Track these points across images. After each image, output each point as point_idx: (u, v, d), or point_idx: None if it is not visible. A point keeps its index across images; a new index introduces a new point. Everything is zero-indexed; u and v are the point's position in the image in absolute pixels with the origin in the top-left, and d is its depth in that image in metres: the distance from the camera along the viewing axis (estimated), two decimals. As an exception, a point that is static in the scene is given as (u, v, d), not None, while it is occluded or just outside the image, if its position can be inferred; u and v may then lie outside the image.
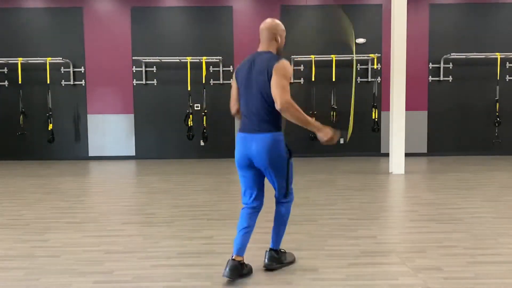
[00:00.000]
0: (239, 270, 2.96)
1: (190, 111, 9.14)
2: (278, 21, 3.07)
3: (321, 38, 9.48)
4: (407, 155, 7.85)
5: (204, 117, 9.17)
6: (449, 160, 8.98)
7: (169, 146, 9.62)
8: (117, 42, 9.46)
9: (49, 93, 9.22)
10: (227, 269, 2.93)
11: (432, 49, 9.53)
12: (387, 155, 8.32)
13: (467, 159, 9.01)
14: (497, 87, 9.20)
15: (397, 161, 7.33)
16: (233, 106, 3.17)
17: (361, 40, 9.46)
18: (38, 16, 9.40)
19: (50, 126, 9.15)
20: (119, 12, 9.45)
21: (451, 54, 9.22)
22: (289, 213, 3.27)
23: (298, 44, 9.46)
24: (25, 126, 9.24)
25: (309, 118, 2.93)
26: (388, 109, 8.17)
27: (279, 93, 2.83)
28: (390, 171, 7.42)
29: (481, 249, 3.51)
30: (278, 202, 3.23)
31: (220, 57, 9.15)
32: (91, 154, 9.60)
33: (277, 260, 3.18)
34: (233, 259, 2.97)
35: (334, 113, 9.19)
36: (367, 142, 9.60)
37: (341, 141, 9.59)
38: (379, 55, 9.31)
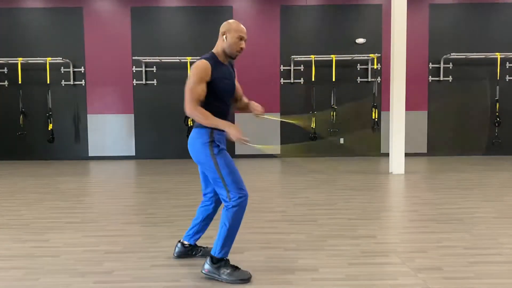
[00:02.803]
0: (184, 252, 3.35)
1: (190, 111, 9.13)
2: (231, 22, 3.02)
3: (321, 38, 9.49)
4: (407, 155, 7.85)
5: (204, 117, 9.16)
6: (449, 160, 8.98)
7: (169, 146, 9.62)
8: (117, 42, 9.46)
9: (49, 93, 9.22)
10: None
11: (432, 49, 9.53)
12: (387, 155, 8.32)
13: (467, 159, 9.01)
14: (497, 87, 9.20)
15: (397, 161, 7.33)
16: None
17: (361, 40, 9.46)
18: (38, 16, 9.41)
19: (50, 126, 9.15)
20: (119, 12, 9.45)
21: (451, 54, 9.22)
22: (234, 222, 2.92)
23: (298, 44, 9.48)
24: (25, 126, 9.24)
25: (215, 120, 2.87)
26: (388, 109, 8.17)
27: (186, 99, 2.86)
28: (390, 171, 7.41)
29: (481, 249, 3.51)
30: (224, 206, 2.98)
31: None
32: (91, 154, 9.60)
33: (212, 269, 2.95)
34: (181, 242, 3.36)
35: (334, 113, 9.19)
36: (367, 142, 9.60)
37: (341, 141, 9.60)
38: (379, 55, 9.31)
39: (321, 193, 5.80)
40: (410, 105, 8.93)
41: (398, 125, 7.32)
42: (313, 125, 9.22)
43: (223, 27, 3.04)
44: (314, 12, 9.51)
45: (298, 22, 9.50)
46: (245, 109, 3.33)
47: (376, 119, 9.11)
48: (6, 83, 9.46)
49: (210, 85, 2.91)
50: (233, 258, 3.31)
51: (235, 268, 2.97)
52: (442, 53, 9.45)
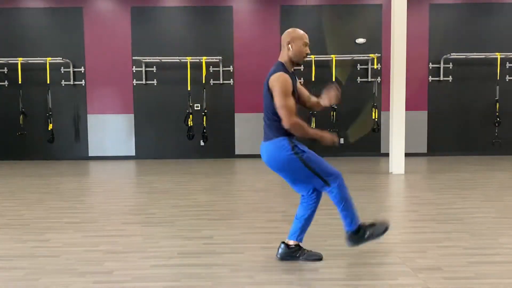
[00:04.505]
0: (288, 253, 3.26)
1: (190, 111, 9.14)
2: (293, 30, 3.14)
3: (321, 38, 9.49)
4: (407, 155, 7.85)
5: (204, 117, 9.17)
6: (449, 160, 8.98)
7: (169, 146, 9.62)
8: (117, 42, 9.46)
9: (49, 93, 9.22)
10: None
11: (432, 49, 9.53)
12: (387, 155, 8.32)
13: (467, 159, 9.01)
14: (497, 87, 9.20)
15: (397, 161, 7.33)
16: None
17: (361, 40, 9.46)
18: (38, 16, 9.40)
19: (50, 126, 9.15)
20: (119, 12, 9.45)
21: (451, 54, 9.22)
22: (344, 196, 3.12)
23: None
24: (25, 126, 9.23)
25: (312, 131, 3.12)
26: (388, 109, 8.17)
27: (283, 114, 3.00)
28: (390, 171, 7.41)
29: (481, 249, 3.51)
30: (327, 192, 3.18)
31: (220, 57, 9.15)
32: (91, 154, 9.60)
33: (357, 237, 3.17)
34: (284, 242, 3.30)
35: (334, 113, 9.18)
36: (367, 142, 9.60)
37: (341, 141, 9.60)
38: (379, 55, 9.31)
39: (321, 193, 5.79)
40: (410, 105, 8.92)
41: (398, 125, 7.32)
42: (313, 125, 9.21)
43: (286, 37, 3.13)
44: (314, 12, 9.51)
45: (298, 22, 9.49)
46: (316, 106, 3.48)
47: (376, 119, 9.11)
48: (6, 83, 9.46)
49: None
50: (233, 258, 3.32)
51: (373, 224, 3.18)
52: (442, 53, 9.44)
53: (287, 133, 3.08)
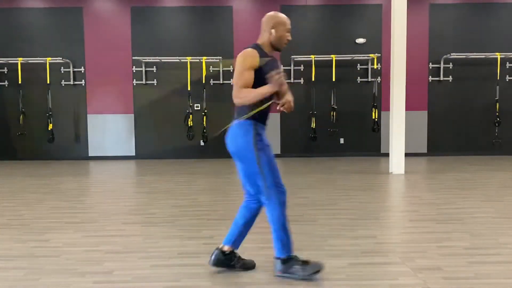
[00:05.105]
0: (223, 260, 3.06)
1: (190, 111, 9.14)
2: (274, 14, 3.05)
3: (321, 38, 9.49)
4: (407, 155, 7.85)
5: (204, 117, 9.17)
6: (449, 160, 8.98)
7: (169, 146, 9.62)
8: (117, 42, 9.46)
9: (49, 93, 9.22)
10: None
11: (432, 49, 9.53)
12: (387, 155, 8.32)
13: (467, 159, 9.01)
14: (497, 87, 9.20)
15: (397, 161, 7.33)
16: None
17: (361, 40, 9.46)
18: (38, 16, 9.40)
19: (50, 126, 9.15)
20: (119, 12, 9.45)
21: (451, 54, 9.22)
22: (280, 218, 2.92)
23: (298, 44, 9.46)
24: (25, 126, 9.24)
25: (258, 90, 2.83)
26: (388, 109, 8.16)
27: (233, 88, 2.88)
28: (390, 171, 7.41)
29: (481, 249, 3.51)
30: (264, 204, 2.98)
31: (220, 57, 9.15)
32: (91, 154, 9.60)
33: (285, 269, 2.95)
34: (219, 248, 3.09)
35: (334, 113, 9.19)
36: (367, 142, 9.60)
37: (341, 141, 9.60)
38: (379, 55, 9.31)
39: (321, 193, 5.79)
40: (410, 105, 8.93)
41: (398, 125, 7.32)
42: (313, 125, 9.21)
43: (270, 21, 3.02)
44: (314, 12, 9.51)
45: (298, 22, 9.49)
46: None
47: (376, 119, 9.11)
48: (6, 83, 9.46)
49: (257, 73, 2.88)
50: (233, 258, 3.32)
51: (306, 262, 2.96)
52: (442, 53, 9.44)
53: (255, 117, 2.90)
